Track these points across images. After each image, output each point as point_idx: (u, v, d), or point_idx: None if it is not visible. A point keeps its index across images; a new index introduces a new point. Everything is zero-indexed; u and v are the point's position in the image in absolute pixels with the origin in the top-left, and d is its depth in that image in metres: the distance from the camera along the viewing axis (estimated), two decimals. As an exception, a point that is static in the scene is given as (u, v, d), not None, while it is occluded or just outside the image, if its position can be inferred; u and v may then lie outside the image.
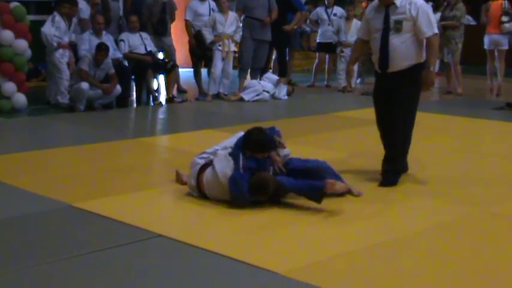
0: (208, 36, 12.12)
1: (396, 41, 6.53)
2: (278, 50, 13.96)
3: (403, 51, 6.54)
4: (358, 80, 14.88)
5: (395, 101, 6.63)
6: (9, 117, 10.35)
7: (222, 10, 12.15)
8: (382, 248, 5.00)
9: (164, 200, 6.13)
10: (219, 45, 12.14)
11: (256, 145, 5.87)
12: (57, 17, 11.17)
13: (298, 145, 8.12)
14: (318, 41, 14.75)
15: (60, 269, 4.57)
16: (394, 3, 6.54)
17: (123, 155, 8.02)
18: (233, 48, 12.43)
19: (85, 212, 5.72)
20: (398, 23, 6.52)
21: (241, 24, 12.47)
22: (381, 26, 6.60)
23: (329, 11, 14.38)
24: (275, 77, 13.02)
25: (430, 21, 6.53)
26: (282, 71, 13.86)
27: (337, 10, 14.41)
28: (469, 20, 14.01)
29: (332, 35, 14.28)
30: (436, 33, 6.58)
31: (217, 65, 12.20)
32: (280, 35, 13.47)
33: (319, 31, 14.58)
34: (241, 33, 12.43)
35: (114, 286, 4.40)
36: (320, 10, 14.57)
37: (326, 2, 14.53)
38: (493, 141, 8.89)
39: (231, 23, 12.18)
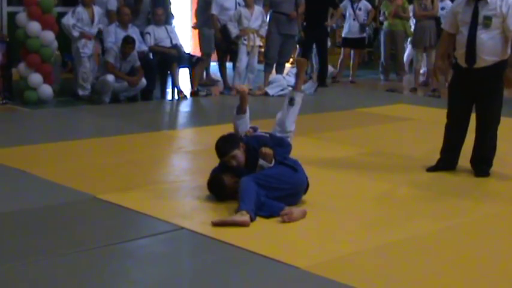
0: (234, 30, 12.14)
1: (484, 37, 6.54)
2: (318, 46, 13.81)
3: (490, 47, 6.56)
4: (382, 76, 14.87)
5: (485, 99, 6.72)
6: (35, 108, 10.42)
7: (247, 4, 12.17)
8: (403, 245, 5.00)
9: (187, 193, 6.15)
10: (244, 40, 12.16)
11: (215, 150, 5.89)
12: (79, 8, 11.22)
13: (321, 141, 8.13)
14: (343, 36, 14.71)
15: (84, 259, 4.61)
16: None
17: (147, 148, 8.05)
18: (258, 42, 12.43)
19: (109, 204, 5.75)
20: (488, 18, 6.53)
21: (266, 19, 12.46)
22: (469, 21, 6.61)
23: (355, 5, 14.34)
24: None
25: None
26: (324, 68, 13.81)
27: (362, 4, 14.40)
28: None
29: (358, 30, 14.32)
30: None
31: (242, 59, 12.22)
32: (320, 31, 13.48)
33: (345, 26, 14.55)
34: (266, 27, 12.44)
35: (138, 277, 4.44)
36: (346, 4, 14.50)
37: None
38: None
39: (256, 18, 12.20)
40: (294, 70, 13.09)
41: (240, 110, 6.27)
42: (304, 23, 13.56)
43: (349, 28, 14.43)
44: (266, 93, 12.24)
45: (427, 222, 5.52)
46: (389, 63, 15.03)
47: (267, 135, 6.10)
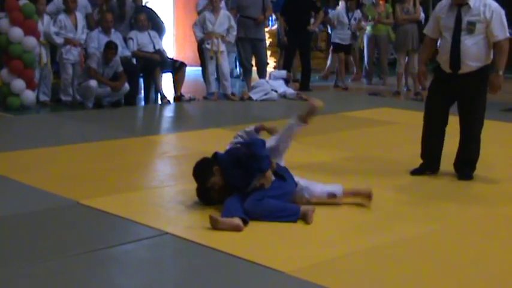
0: (198, 34, 12.15)
1: (468, 42, 6.53)
2: (301, 51, 13.80)
3: (474, 53, 6.55)
4: (365, 80, 14.89)
5: (469, 103, 6.71)
6: (18, 114, 10.38)
7: (213, 9, 12.14)
8: (387, 248, 5.01)
9: (171, 198, 6.14)
10: (208, 44, 12.14)
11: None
12: (61, 16, 11.22)
13: (305, 145, 8.13)
14: (334, 41, 14.51)
15: (68, 266, 4.59)
16: (467, 4, 6.53)
17: (130, 153, 8.04)
18: (222, 48, 12.32)
19: (92, 209, 5.73)
20: (472, 24, 6.52)
21: (233, 24, 12.31)
22: (452, 26, 6.60)
23: (350, 14, 14.26)
24: (283, 72, 13.07)
25: (503, 25, 6.54)
26: (306, 76, 13.78)
27: (357, 14, 14.39)
28: None
29: (349, 37, 14.28)
30: (508, 38, 6.57)
31: (207, 63, 12.23)
32: (304, 36, 13.50)
33: (337, 32, 14.40)
34: (234, 33, 12.37)
35: (122, 282, 4.43)
36: (342, 12, 14.37)
37: (348, 5, 14.36)
38: (502, 143, 8.85)
39: (221, 22, 12.13)
40: (276, 73, 13.16)
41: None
42: (287, 28, 13.58)
43: (342, 35, 14.32)
44: (250, 98, 12.24)
45: (412, 225, 5.53)
46: (373, 67, 15.08)
47: (238, 144, 6.09)
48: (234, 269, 4.60)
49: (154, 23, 12.40)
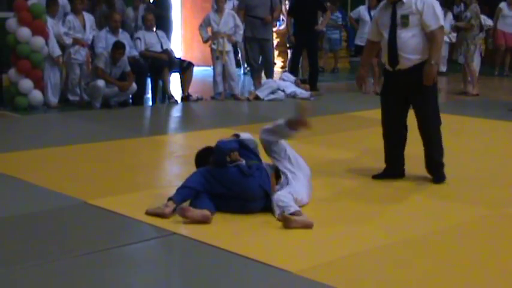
0: (204, 34, 12.18)
1: (405, 36, 6.46)
2: (309, 51, 13.69)
3: (412, 46, 6.46)
4: (373, 80, 14.79)
5: (420, 101, 6.58)
6: (26, 114, 10.41)
7: (217, 8, 12.17)
8: (394, 248, 5.00)
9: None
10: (213, 44, 12.17)
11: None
12: (70, 16, 11.26)
13: (312, 145, 8.12)
14: (357, 43, 14.05)
15: (75, 265, 4.60)
16: (400, 0, 6.49)
17: (138, 153, 8.05)
18: (228, 47, 12.35)
19: (100, 209, 5.74)
20: (405, 17, 6.45)
21: (239, 23, 12.31)
22: (389, 23, 6.55)
23: (372, 12, 13.46)
24: (292, 77, 13.04)
25: (435, 14, 6.44)
26: (314, 76, 13.70)
27: None
28: (485, 20, 13.80)
29: None
30: (442, 27, 6.48)
31: (214, 63, 12.26)
32: (311, 36, 13.45)
33: (360, 33, 13.86)
34: (241, 32, 12.39)
35: (130, 282, 4.44)
36: (363, 10, 14.04)
37: (368, 3, 14.08)
38: (509, 143, 8.84)
39: (225, 22, 12.15)
40: (286, 76, 13.15)
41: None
42: (294, 28, 13.56)
43: (363, 36, 13.37)
44: (257, 97, 12.24)
45: (418, 226, 5.52)
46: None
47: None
48: (241, 268, 4.61)
49: (165, 17, 12.44)
